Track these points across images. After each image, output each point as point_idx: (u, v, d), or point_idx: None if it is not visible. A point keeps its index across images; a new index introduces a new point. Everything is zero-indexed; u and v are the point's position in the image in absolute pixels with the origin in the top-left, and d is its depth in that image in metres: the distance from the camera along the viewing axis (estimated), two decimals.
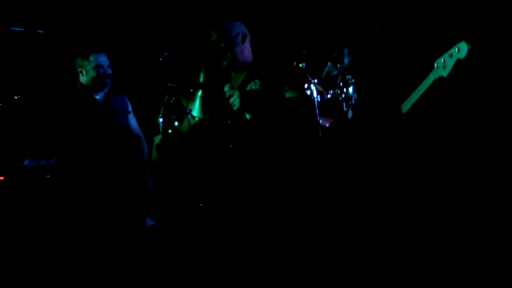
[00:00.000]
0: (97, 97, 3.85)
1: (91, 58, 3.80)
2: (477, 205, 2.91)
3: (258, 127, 3.22)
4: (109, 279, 3.43)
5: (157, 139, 3.59)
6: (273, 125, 3.21)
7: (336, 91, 3.20)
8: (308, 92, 3.10)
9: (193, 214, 3.47)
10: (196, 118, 3.46)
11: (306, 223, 3.10)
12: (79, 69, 3.84)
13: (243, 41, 3.38)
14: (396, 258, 2.86)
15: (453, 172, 2.96)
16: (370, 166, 3.06)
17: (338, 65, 3.37)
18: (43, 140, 3.63)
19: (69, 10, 4.59)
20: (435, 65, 2.75)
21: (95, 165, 3.67)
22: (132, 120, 4.03)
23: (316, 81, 3.12)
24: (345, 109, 3.18)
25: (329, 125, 3.34)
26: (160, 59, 3.82)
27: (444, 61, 2.72)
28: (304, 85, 3.13)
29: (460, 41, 2.67)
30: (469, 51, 2.65)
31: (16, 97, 3.63)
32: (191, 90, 3.54)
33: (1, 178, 3.39)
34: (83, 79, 3.84)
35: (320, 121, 3.11)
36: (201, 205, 3.37)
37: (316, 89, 3.11)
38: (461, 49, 2.67)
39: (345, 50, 3.46)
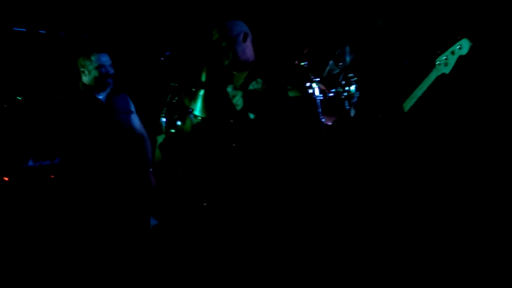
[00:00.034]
0: (100, 97, 3.85)
1: (93, 58, 3.80)
2: (481, 203, 2.91)
3: (261, 126, 3.23)
4: (114, 278, 3.44)
5: (160, 138, 3.59)
6: (275, 123, 3.21)
7: (338, 89, 3.20)
8: (310, 91, 3.10)
9: (197, 213, 3.48)
10: (199, 118, 3.47)
11: (309, 221, 3.11)
12: (81, 69, 3.85)
13: (244, 40, 3.38)
14: (399, 257, 2.86)
15: (455, 171, 2.97)
16: (372, 164, 3.07)
17: (340, 64, 3.36)
18: (46, 141, 3.64)
19: (71, 10, 4.59)
20: (437, 62, 2.75)
21: (98, 165, 3.68)
22: (135, 120, 4.04)
23: (318, 79, 3.12)
24: (347, 107, 3.18)
25: (332, 124, 3.34)
26: (162, 59, 3.82)
27: (446, 58, 2.72)
28: (306, 83, 3.14)
29: (462, 38, 2.67)
30: (471, 47, 2.65)
31: (19, 98, 3.64)
32: (193, 90, 3.55)
33: (5, 178, 3.40)
34: (85, 79, 3.85)
35: (323, 120, 3.11)
36: (204, 204, 3.38)
37: (318, 87, 3.11)
38: (463, 46, 2.67)
39: (347, 48, 3.46)
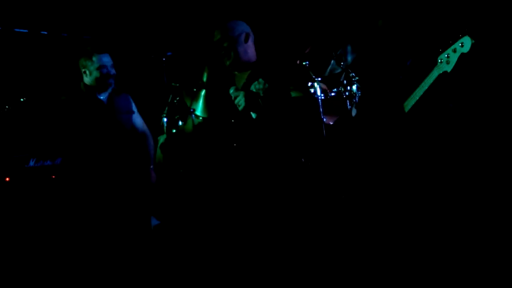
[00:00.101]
0: (101, 97, 3.86)
1: (94, 58, 3.81)
2: (482, 203, 2.90)
3: (262, 126, 3.22)
4: (115, 278, 3.43)
5: (162, 139, 3.59)
6: (277, 123, 3.21)
7: (340, 89, 3.19)
8: (312, 91, 3.10)
9: (198, 213, 3.47)
10: (200, 118, 3.47)
11: (310, 221, 3.10)
12: (83, 70, 3.85)
13: (246, 41, 3.38)
14: (400, 255, 2.86)
15: (457, 170, 2.96)
16: (374, 164, 3.06)
17: (342, 63, 3.36)
18: (48, 141, 3.64)
19: (72, 11, 4.60)
20: (439, 60, 2.75)
21: (100, 165, 3.68)
22: (137, 119, 4.04)
23: (319, 79, 3.12)
24: (349, 107, 3.18)
25: (333, 123, 3.34)
26: (164, 59, 3.82)
27: (447, 56, 2.72)
28: (307, 83, 3.13)
29: (463, 35, 2.67)
30: (473, 45, 2.65)
31: (22, 99, 3.65)
32: (195, 90, 3.54)
33: (7, 179, 3.40)
34: (86, 79, 3.85)
35: (324, 119, 3.11)
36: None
37: (320, 87, 3.11)
38: (464, 44, 2.67)
39: (349, 48, 3.46)
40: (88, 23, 4.62)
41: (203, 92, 3.53)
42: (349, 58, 3.45)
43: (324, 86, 3.18)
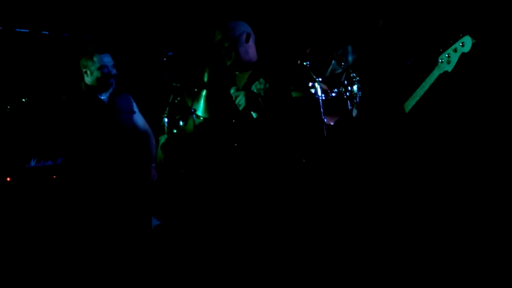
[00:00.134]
0: (102, 97, 3.86)
1: (95, 58, 3.81)
2: (483, 203, 2.90)
3: (263, 126, 3.23)
4: (115, 279, 3.44)
5: (162, 139, 3.59)
6: (277, 123, 3.21)
7: (340, 89, 3.20)
8: (313, 91, 3.10)
9: (198, 214, 3.47)
10: (201, 118, 3.47)
11: (311, 221, 3.10)
12: (84, 70, 3.85)
13: (247, 41, 3.38)
14: (399, 256, 2.86)
15: (458, 170, 2.96)
16: (374, 164, 3.06)
17: (343, 63, 3.36)
18: (49, 141, 3.64)
19: (73, 11, 4.60)
20: (440, 60, 2.75)
21: (101, 165, 3.68)
22: (139, 119, 4.04)
23: (320, 79, 3.12)
24: (349, 107, 3.18)
25: (334, 124, 3.34)
26: (165, 59, 3.82)
27: (448, 55, 2.72)
28: (308, 83, 3.14)
29: (464, 35, 2.67)
30: (473, 44, 2.64)
31: (23, 100, 3.65)
32: (196, 90, 3.55)
33: (8, 178, 3.40)
34: (87, 79, 3.85)
35: (325, 120, 3.11)
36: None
37: (321, 87, 3.11)
38: (465, 43, 2.67)
39: (349, 48, 3.46)
40: (89, 23, 4.62)
41: (204, 92, 3.53)
42: (350, 58, 3.45)
43: (325, 87, 3.18)
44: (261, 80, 3.28)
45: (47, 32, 4.27)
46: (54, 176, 3.56)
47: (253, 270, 3.10)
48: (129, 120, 3.95)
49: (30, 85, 4.35)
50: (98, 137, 3.71)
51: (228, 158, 3.33)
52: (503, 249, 2.74)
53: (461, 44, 2.67)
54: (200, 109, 3.50)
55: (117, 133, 3.80)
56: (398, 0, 3.22)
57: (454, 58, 2.70)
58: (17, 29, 4.21)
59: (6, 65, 4.38)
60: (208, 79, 3.54)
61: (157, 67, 3.83)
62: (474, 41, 2.63)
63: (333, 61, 3.51)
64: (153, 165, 3.99)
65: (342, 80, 3.28)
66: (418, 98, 2.86)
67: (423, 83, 2.82)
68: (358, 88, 3.10)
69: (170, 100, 3.50)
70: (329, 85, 3.31)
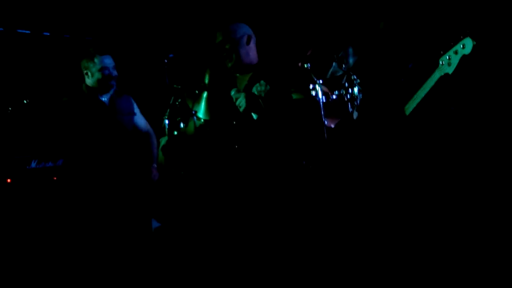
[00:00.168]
0: (103, 99, 3.86)
1: (96, 60, 3.81)
2: (484, 206, 2.90)
3: (264, 128, 3.23)
4: (115, 281, 3.43)
5: (163, 140, 3.60)
6: (278, 125, 3.21)
7: (341, 91, 3.20)
8: (313, 93, 3.11)
9: (199, 216, 3.47)
10: (202, 120, 3.47)
11: (311, 223, 3.10)
12: (85, 71, 3.85)
13: (248, 43, 3.39)
14: (401, 258, 2.86)
15: (459, 173, 2.96)
16: (375, 167, 3.06)
17: (343, 66, 3.37)
18: (50, 142, 3.64)
19: (75, 12, 4.61)
20: (440, 62, 2.75)
21: (101, 167, 3.68)
22: (140, 120, 4.04)
23: (321, 81, 3.12)
24: (350, 109, 3.18)
25: (335, 126, 3.34)
26: (166, 61, 3.83)
27: (449, 58, 2.72)
28: (309, 86, 3.14)
29: (465, 37, 2.67)
30: (474, 46, 2.64)
31: (25, 101, 3.65)
32: (197, 92, 3.55)
33: (8, 180, 3.40)
34: (88, 81, 3.86)
35: (326, 122, 3.11)
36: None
37: (321, 89, 3.11)
38: (466, 45, 2.67)
39: (350, 50, 3.46)
40: (90, 24, 4.63)
41: (205, 94, 3.53)
42: (351, 61, 3.45)
43: (325, 89, 3.18)
44: (262, 82, 3.28)
45: (48, 34, 4.28)
46: (55, 178, 3.56)
47: (254, 273, 3.10)
48: (130, 121, 3.95)
49: (31, 86, 4.35)
50: (98, 138, 3.71)
51: (229, 160, 3.33)
52: (503, 252, 2.74)
53: (461, 46, 2.67)
54: (201, 111, 3.51)
55: (117, 135, 3.80)
56: (399, 2, 3.22)
57: (455, 60, 2.70)
58: (18, 30, 4.22)
59: (8, 66, 4.39)
60: (209, 81, 3.54)
61: (158, 69, 3.83)
62: (475, 43, 2.63)
63: (334, 64, 3.51)
64: (154, 165, 3.99)
65: (343, 82, 3.28)
66: (418, 101, 2.85)
67: (424, 85, 2.82)
68: (358, 90, 3.10)
69: (171, 102, 3.50)
70: (330, 87, 3.31)
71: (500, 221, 2.85)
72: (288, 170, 3.19)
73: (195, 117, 3.43)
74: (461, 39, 2.67)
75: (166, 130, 3.46)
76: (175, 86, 3.54)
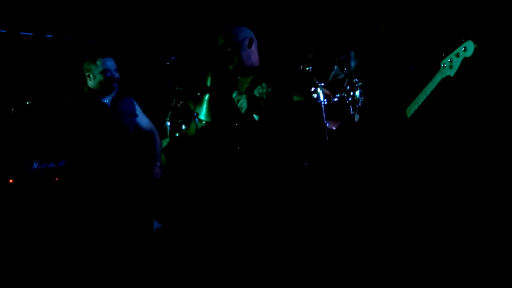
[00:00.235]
0: (105, 101, 3.86)
1: (98, 62, 3.81)
2: (485, 208, 2.90)
3: (265, 130, 3.23)
4: (117, 281, 3.44)
5: (165, 142, 3.60)
6: (280, 128, 3.22)
7: (343, 94, 3.21)
8: (315, 96, 3.12)
9: (200, 217, 3.48)
10: (203, 122, 3.48)
11: (313, 225, 3.10)
12: (87, 73, 3.86)
13: (249, 46, 3.40)
14: (402, 260, 2.86)
15: (460, 175, 2.96)
16: (376, 169, 3.07)
17: (345, 69, 3.38)
18: (52, 144, 3.65)
19: (77, 14, 4.62)
20: (442, 64, 2.76)
21: (103, 168, 3.69)
22: (143, 120, 4.04)
23: (322, 84, 3.13)
24: (352, 112, 3.19)
25: (336, 129, 3.35)
26: (168, 63, 3.84)
27: (450, 60, 2.73)
28: (310, 88, 3.15)
29: (466, 40, 2.68)
30: (475, 49, 2.66)
31: (27, 102, 3.66)
32: (198, 94, 3.56)
33: (10, 180, 3.41)
34: (90, 83, 3.86)
35: (327, 125, 3.12)
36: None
37: (323, 92, 3.12)
38: (467, 48, 2.68)
39: (352, 53, 3.47)
40: (92, 27, 4.64)
41: (206, 96, 3.54)
42: (352, 64, 3.46)
43: (327, 92, 3.20)
44: (264, 84, 3.29)
45: (50, 36, 4.29)
46: (57, 179, 3.56)
47: (255, 273, 3.10)
48: (132, 123, 3.95)
49: (33, 88, 4.36)
50: (100, 140, 3.72)
51: (230, 162, 3.34)
52: (503, 253, 2.75)
53: (463, 49, 2.68)
54: (203, 113, 3.51)
55: (119, 137, 3.81)
56: (400, 5, 3.23)
57: (456, 63, 2.71)
58: (21, 33, 4.23)
59: (10, 68, 4.40)
60: (211, 83, 3.55)
61: (160, 71, 3.84)
62: (476, 45, 2.65)
63: (335, 67, 3.52)
64: (158, 163, 3.98)
65: (345, 85, 3.29)
66: (420, 103, 2.86)
67: (425, 88, 2.83)
68: (360, 93, 3.11)
69: (173, 104, 3.51)
70: (331, 90, 3.32)
71: (500, 221, 2.85)
72: (290, 172, 3.20)
73: (196, 119, 3.43)
74: (462, 42, 2.68)
75: (168, 132, 3.47)
76: (177, 88, 3.55)
